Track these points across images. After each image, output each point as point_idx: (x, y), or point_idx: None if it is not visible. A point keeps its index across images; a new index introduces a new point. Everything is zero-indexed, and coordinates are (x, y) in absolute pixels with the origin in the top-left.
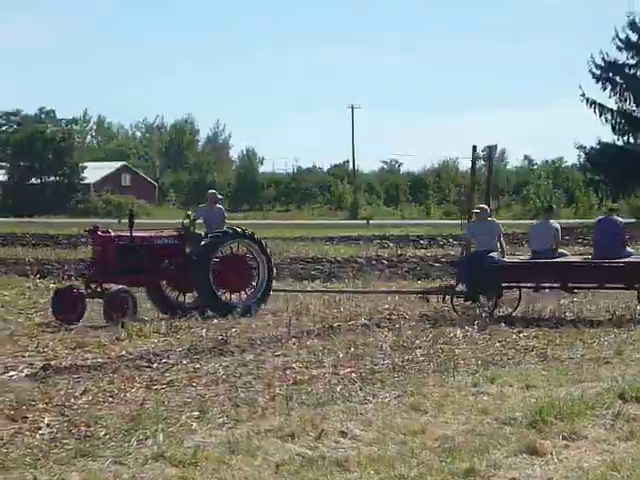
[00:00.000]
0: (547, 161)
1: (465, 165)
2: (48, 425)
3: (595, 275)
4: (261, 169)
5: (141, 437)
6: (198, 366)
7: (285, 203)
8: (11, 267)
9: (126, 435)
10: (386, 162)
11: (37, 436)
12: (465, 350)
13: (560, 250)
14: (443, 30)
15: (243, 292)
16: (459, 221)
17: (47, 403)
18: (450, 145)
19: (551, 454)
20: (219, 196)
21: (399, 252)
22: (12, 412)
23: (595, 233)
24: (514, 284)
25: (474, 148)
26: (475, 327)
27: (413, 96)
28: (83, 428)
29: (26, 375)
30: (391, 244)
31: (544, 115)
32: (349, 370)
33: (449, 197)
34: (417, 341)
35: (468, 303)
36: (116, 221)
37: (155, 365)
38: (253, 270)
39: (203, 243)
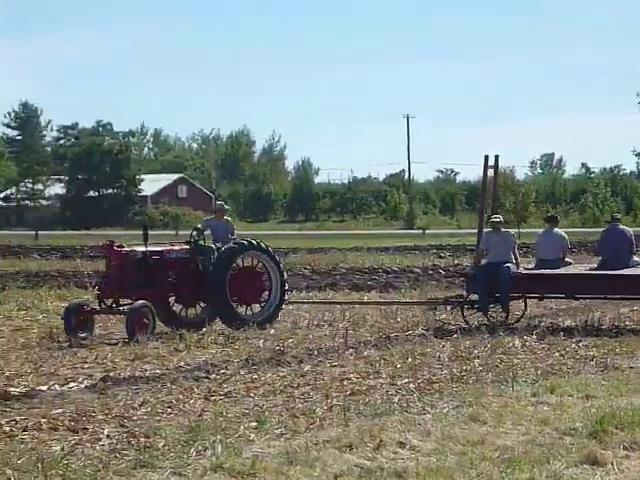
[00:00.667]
0: (605, 169)
1: (521, 173)
2: (108, 436)
3: (618, 285)
4: (316, 180)
5: (200, 448)
6: (256, 377)
7: (340, 213)
8: (70, 279)
9: (185, 446)
10: (441, 171)
11: (97, 447)
12: (524, 360)
13: (566, 259)
14: (496, 38)
15: (255, 305)
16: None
17: (107, 414)
18: (505, 154)
19: (612, 464)
20: (226, 207)
21: (456, 262)
22: (72, 423)
23: (601, 243)
24: (536, 295)
25: (486, 158)
26: (534, 337)
27: (468, 104)
28: (142, 439)
29: (86, 386)
30: (447, 254)
31: (602, 123)
32: (407, 380)
33: (505, 206)
34: (475, 351)
35: (478, 314)
36: (174, 233)
37: (213, 376)
38: (266, 284)
39: (219, 253)
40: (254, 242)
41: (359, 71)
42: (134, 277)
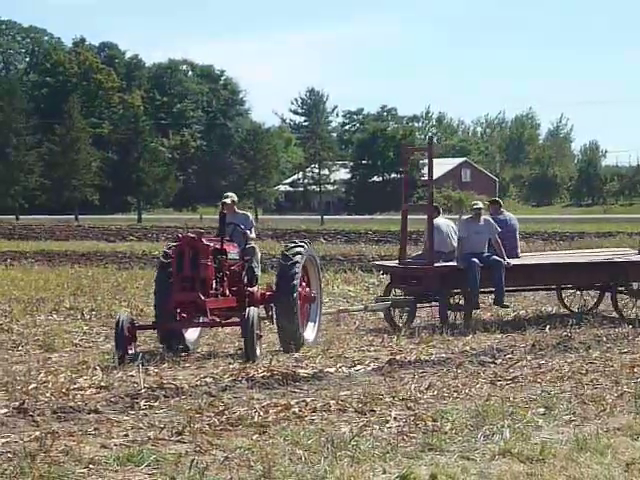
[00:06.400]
0: None
1: None
2: (395, 418)
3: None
4: (604, 162)
5: (487, 432)
6: (543, 362)
7: (629, 197)
8: (355, 263)
9: (472, 430)
10: None
11: (385, 429)
12: None
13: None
14: None
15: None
16: None
17: (393, 397)
18: None
19: None
20: (230, 200)
21: None
22: (360, 405)
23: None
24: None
25: (430, 139)
26: None
27: None
28: (429, 422)
29: (372, 369)
30: None
31: None
32: None
33: None
34: None
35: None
36: (457, 216)
37: (499, 361)
38: (314, 291)
39: (285, 257)
40: (307, 243)
41: None
42: (215, 281)
